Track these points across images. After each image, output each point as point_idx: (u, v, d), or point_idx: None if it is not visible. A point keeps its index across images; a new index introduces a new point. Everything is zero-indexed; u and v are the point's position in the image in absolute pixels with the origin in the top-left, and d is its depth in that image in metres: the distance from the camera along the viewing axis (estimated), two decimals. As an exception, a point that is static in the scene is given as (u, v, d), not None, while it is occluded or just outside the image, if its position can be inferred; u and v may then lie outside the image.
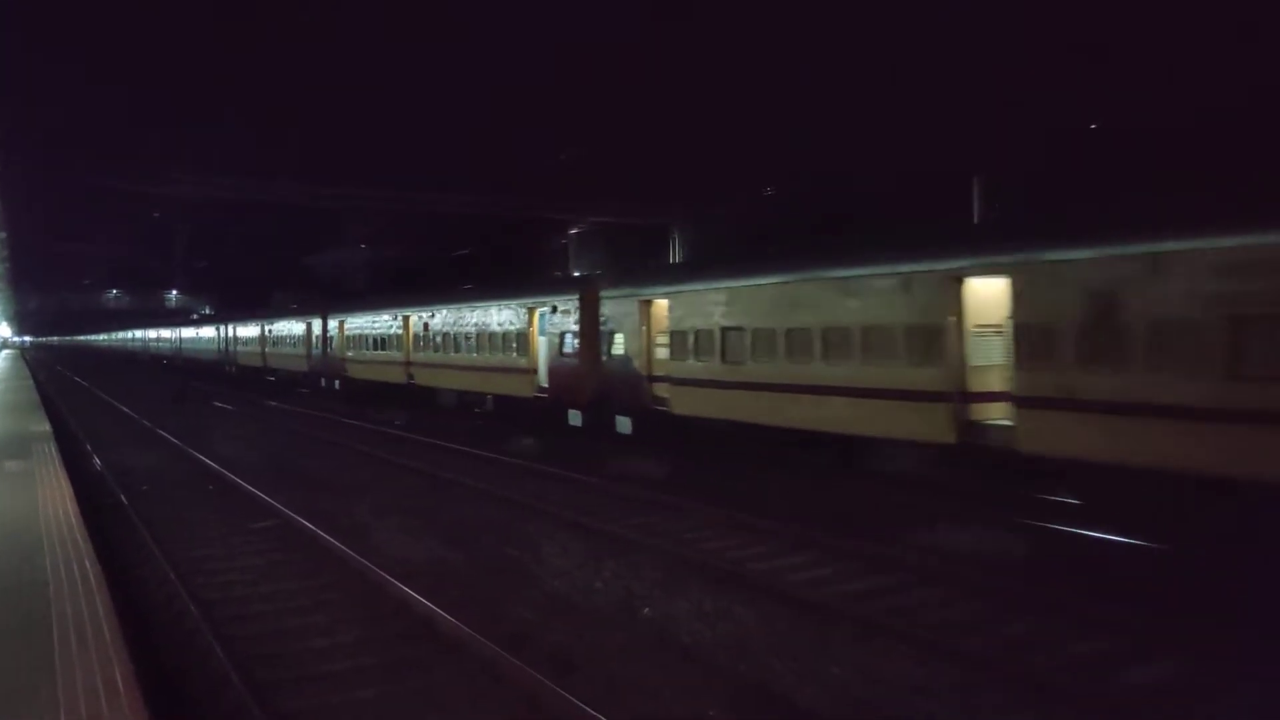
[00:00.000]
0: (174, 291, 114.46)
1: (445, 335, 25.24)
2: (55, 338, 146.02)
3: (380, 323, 29.78)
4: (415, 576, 10.11)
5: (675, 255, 45.79)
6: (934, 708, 6.92)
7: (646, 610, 9.17)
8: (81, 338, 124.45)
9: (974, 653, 7.77)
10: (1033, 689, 7.11)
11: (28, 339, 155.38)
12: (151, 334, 78.70)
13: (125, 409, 31.78)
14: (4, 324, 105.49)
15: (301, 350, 37.34)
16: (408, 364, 27.63)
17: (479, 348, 23.45)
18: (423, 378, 26.82)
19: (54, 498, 12.02)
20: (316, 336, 35.28)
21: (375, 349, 29.91)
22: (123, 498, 15.04)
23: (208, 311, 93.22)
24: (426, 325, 26.38)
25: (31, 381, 40.62)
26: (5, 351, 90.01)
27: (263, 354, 42.98)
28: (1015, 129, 27.50)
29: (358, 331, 31.48)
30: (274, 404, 33.45)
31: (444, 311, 25.56)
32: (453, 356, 24.83)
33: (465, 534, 12.49)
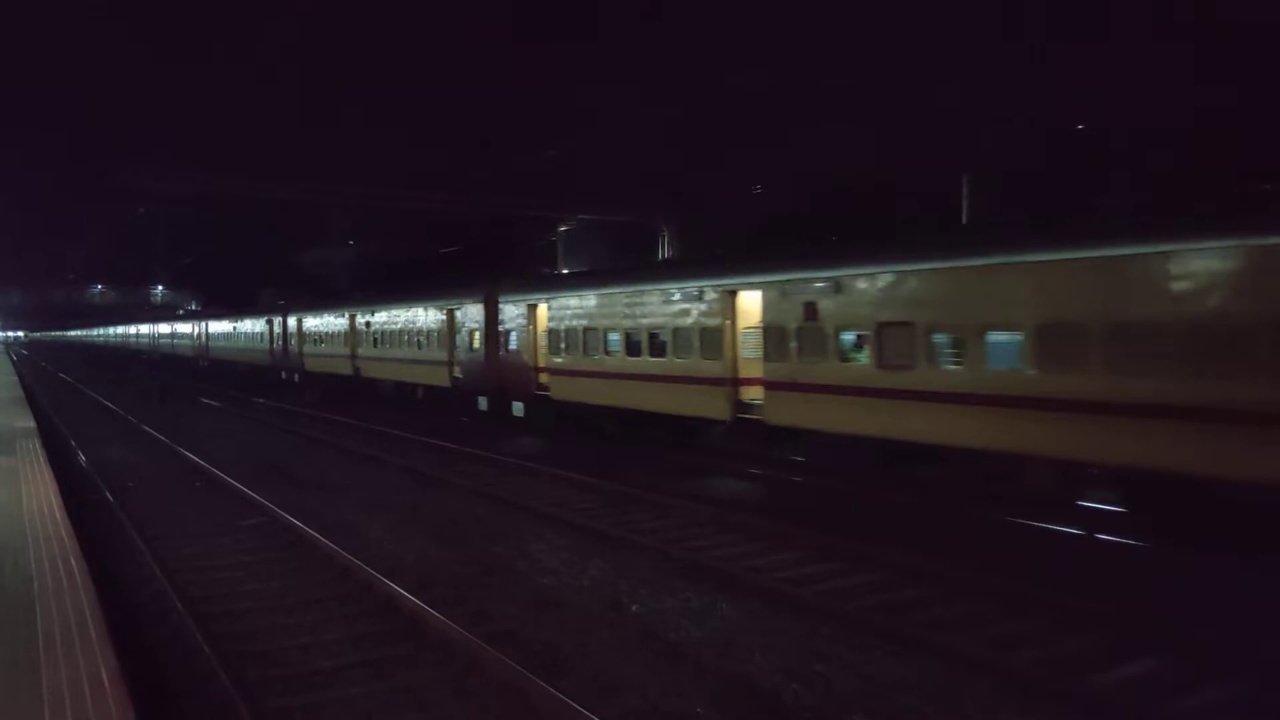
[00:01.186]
0: (159, 287, 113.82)
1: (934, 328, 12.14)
2: (52, 332, 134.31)
3: (652, 307, 17.28)
4: (402, 573, 10.13)
5: (665, 253, 45.85)
6: (919, 704, 6.96)
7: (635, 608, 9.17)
8: (75, 333, 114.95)
9: (959, 649, 7.82)
10: (1017, 686, 7.16)
11: (21, 334, 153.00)
12: (164, 329, 67.60)
13: (113, 406, 31.60)
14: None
15: (436, 354, 25.17)
16: (732, 382, 15.46)
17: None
18: (817, 414, 13.75)
19: (39, 494, 11.94)
20: (471, 330, 23.64)
21: (638, 352, 17.60)
22: (108, 494, 14.96)
23: (189, 304, 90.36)
24: (812, 308, 13.75)
25: (15, 378, 40.30)
26: None
27: (352, 358, 31.18)
28: (1004, 128, 27.61)
29: (580, 321, 19.26)
30: (261, 401, 33.18)
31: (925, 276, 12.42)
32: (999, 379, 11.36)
33: (454, 532, 12.50)
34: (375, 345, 29.34)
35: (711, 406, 15.76)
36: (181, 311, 78.94)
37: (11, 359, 67.11)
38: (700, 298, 16.15)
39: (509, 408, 21.98)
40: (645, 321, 17.49)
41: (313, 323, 35.44)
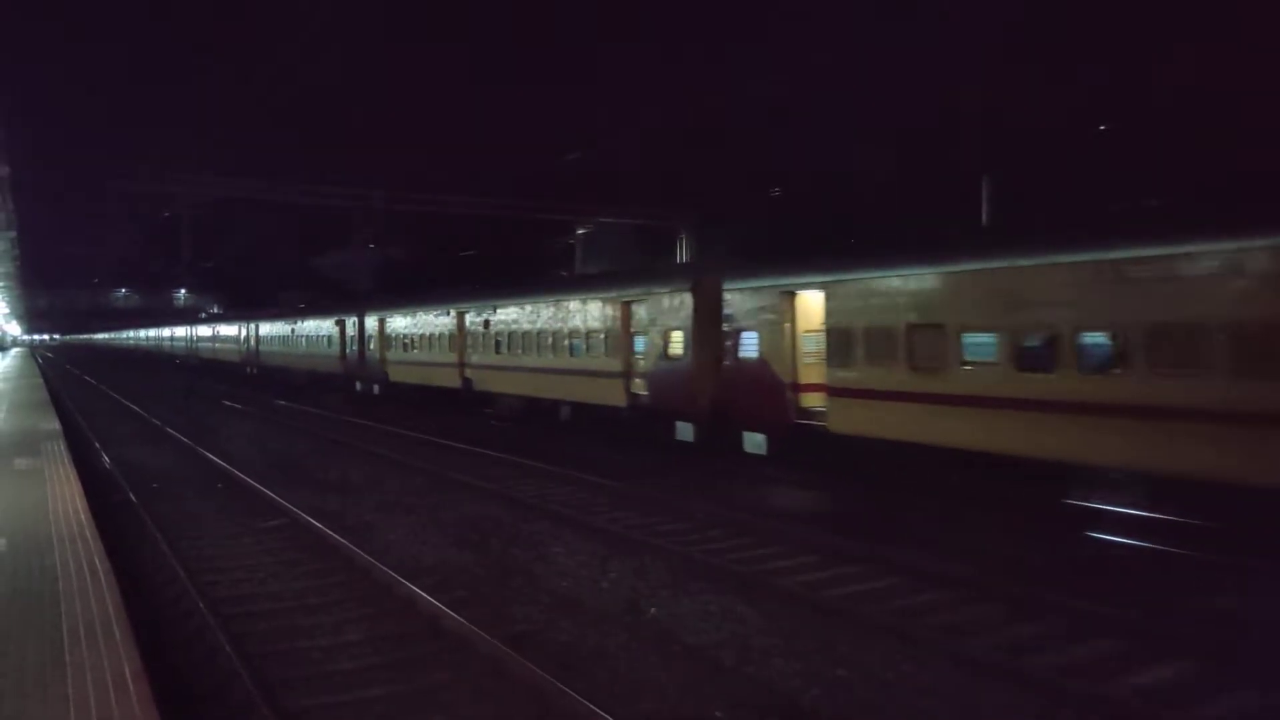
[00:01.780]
0: (182, 291, 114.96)
1: None
2: (81, 335, 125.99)
3: (1082, 291, 11.11)
4: (422, 575, 10.17)
5: (683, 256, 45.88)
6: (938, 709, 6.92)
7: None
8: (103, 336, 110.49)
9: (976, 654, 7.76)
10: (1035, 691, 7.10)
11: (48, 336, 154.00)
12: (204, 331, 58.89)
13: (138, 409, 31.93)
14: (14, 322, 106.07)
15: (605, 362, 19.32)
16: None
17: None
18: None
19: (64, 495, 12.09)
20: (666, 330, 17.70)
21: (1044, 364, 11.52)
22: (132, 495, 15.11)
23: (211, 307, 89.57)
24: None
25: (41, 380, 40.78)
26: (15, 350, 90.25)
27: (460, 366, 25.27)
28: (1024, 129, 27.48)
29: (904, 316, 13.28)
30: (283, 403, 33.36)
31: None
32: None
33: (473, 534, 12.54)
34: (498, 351, 23.57)
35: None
36: (203, 315, 78.02)
37: (37, 361, 67.91)
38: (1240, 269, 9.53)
39: (736, 439, 16.00)
40: (1070, 315, 11.10)
41: (402, 323, 29.20)
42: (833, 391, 14.40)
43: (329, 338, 35.80)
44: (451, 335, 26.06)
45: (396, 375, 29.73)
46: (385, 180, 44.73)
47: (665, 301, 17.81)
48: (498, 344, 23.74)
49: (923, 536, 11.42)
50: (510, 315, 23.18)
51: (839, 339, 14.29)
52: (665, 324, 17.79)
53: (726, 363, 16.44)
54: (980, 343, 12.25)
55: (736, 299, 16.39)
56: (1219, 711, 6.74)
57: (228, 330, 52.69)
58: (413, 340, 28.69)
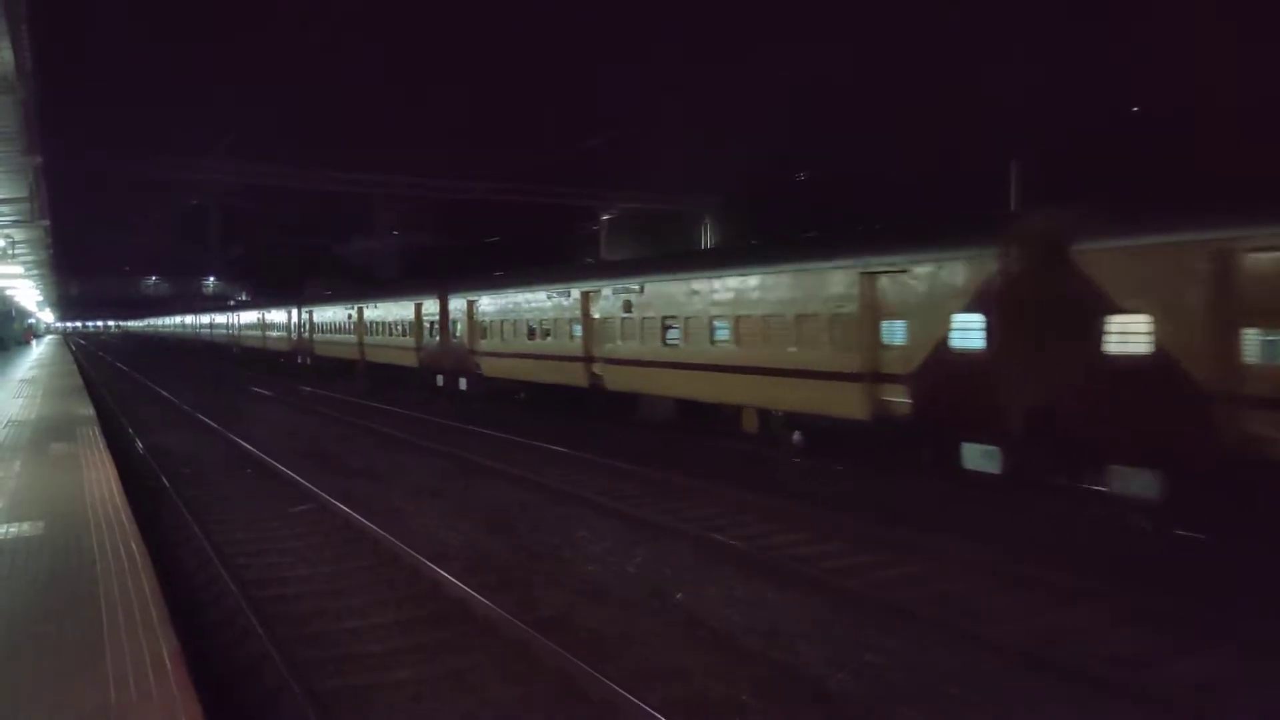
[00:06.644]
0: (211, 279, 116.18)
1: None
2: (155, 320, 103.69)
3: None
4: (450, 559, 10.27)
5: (707, 241, 45.77)
6: (966, 695, 6.91)
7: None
8: (136, 324, 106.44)
9: (1007, 642, 7.73)
10: (1067, 680, 7.07)
11: (95, 324, 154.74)
12: (249, 318, 53.37)
13: (168, 394, 32.34)
14: (47, 310, 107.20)
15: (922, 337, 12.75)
16: None
17: None
18: None
19: (99, 479, 12.29)
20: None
21: None
22: (165, 480, 15.35)
23: (239, 295, 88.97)
24: None
25: (75, 366, 41.35)
26: (49, 338, 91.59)
27: (587, 361, 20.65)
28: (1053, 112, 27.10)
29: None
30: (308, 389, 33.64)
31: None
32: None
33: (500, 519, 12.64)
34: (647, 342, 18.56)
35: None
36: (228, 303, 77.71)
37: (70, 348, 68.91)
38: None
39: (1073, 471, 11.12)
40: None
41: (502, 302, 24.41)
42: None
43: (405, 325, 30.70)
44: (575, 320, 21.17)
45: (492, 370, 25.23)
46: (410, 167, 44.81)
47: (946, 270, 12.42)
48: (645, 332, 18.73)
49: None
50: (664, 294, 18.03)
51: None
52: (945, 303, 12.40)
53: (1068, 359, 10.85)
54: None
55: (1102, 262, 10.60)
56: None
57: (276, 317, 47.62)
58: (511, 325, 24.02)
